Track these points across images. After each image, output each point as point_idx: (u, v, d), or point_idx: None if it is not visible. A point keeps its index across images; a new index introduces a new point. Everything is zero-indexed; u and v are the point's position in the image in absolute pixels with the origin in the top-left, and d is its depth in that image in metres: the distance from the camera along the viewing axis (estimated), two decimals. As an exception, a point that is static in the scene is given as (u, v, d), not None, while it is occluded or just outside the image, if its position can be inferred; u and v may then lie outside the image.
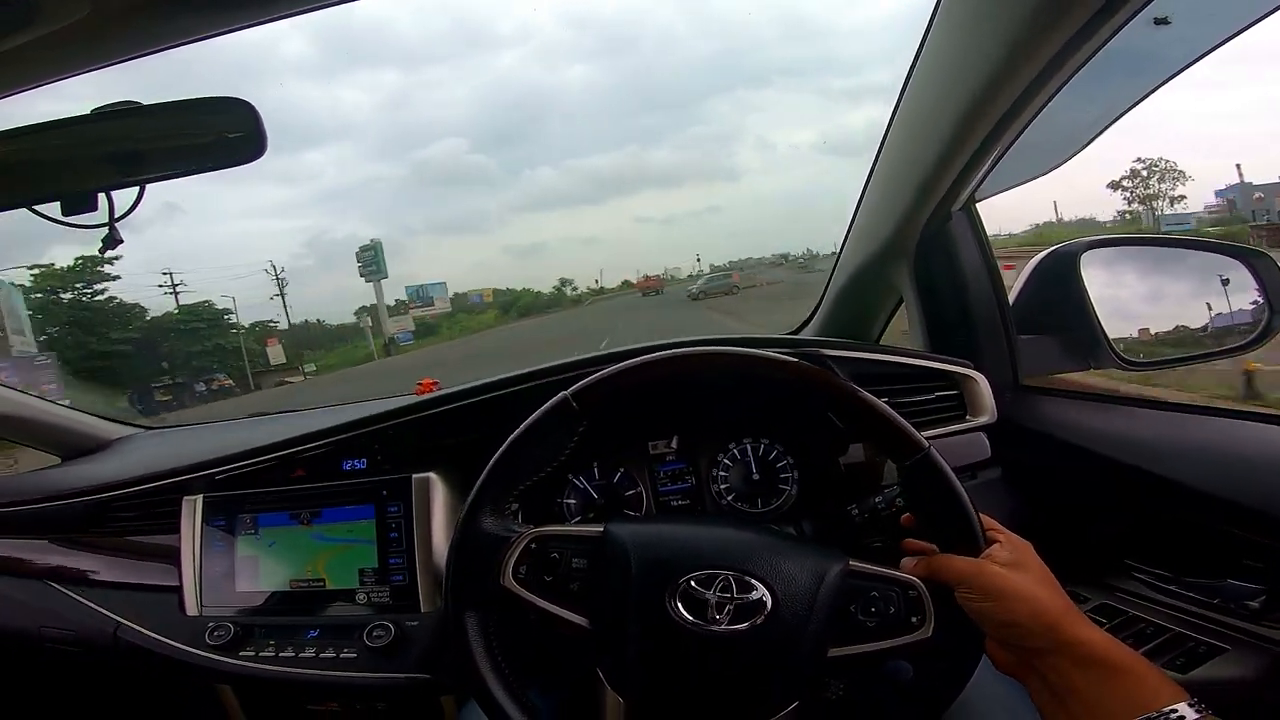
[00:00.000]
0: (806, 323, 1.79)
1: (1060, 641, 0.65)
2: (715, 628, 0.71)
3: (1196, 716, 0.58)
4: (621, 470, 1.30)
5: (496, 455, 0.81)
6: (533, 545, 0.78)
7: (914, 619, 0.73)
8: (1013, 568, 0.70)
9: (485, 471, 0.81)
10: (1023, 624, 0.67)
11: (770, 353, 0.83)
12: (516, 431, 0.82)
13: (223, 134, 0.82)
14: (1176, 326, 1.27)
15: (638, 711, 0.75)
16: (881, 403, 0.78)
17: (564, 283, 68.02)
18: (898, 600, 0.73)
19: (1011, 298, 1.31)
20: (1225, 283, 1.20)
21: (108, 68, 0.80)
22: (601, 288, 67.91)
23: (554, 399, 0.83)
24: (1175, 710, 0.59)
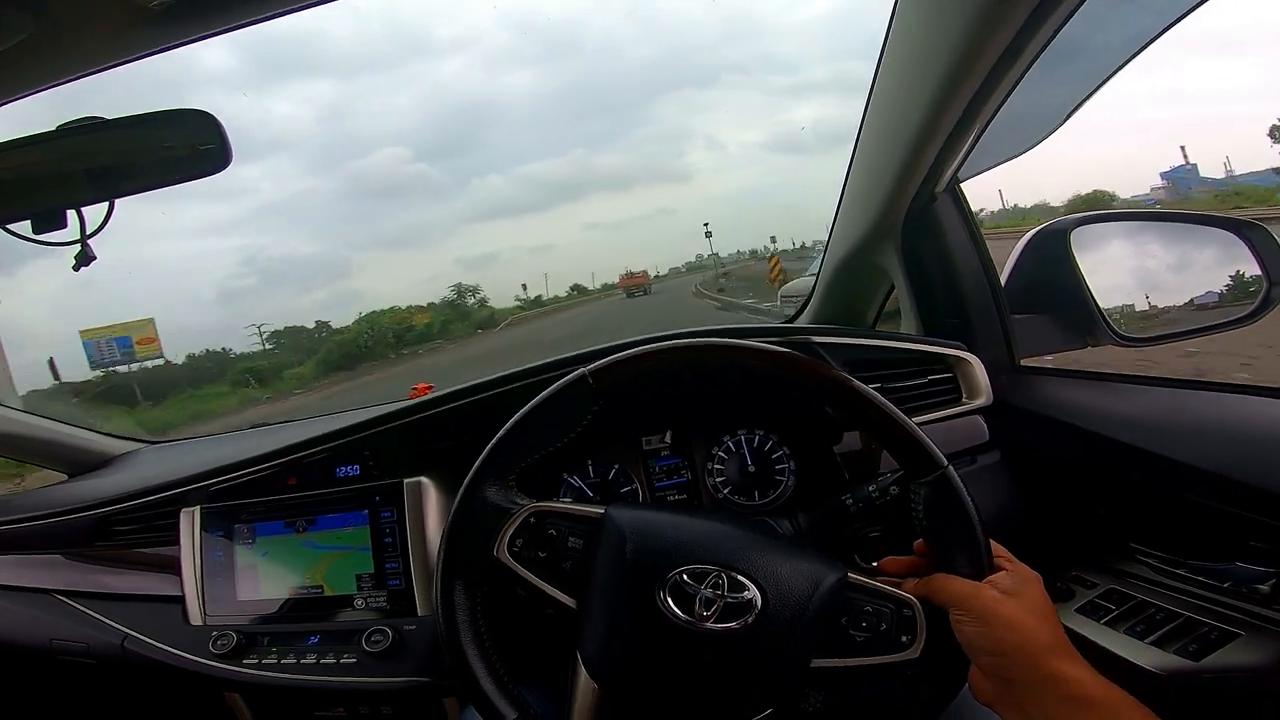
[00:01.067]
0: (801, 310, 1.78)
1: (1045, 676, 0.64)
2: (701, 624, 0.70)
3: None
4: (616, 467, 1.30)
5: (507, 425, 0.81)
6: (531, 519, 0.78)
7: (904, 638, 0.72)
8: (1011, 595, 0.68)
9: (494, 441, 0.81)
10: (1008, 653, 0.66)
11: (792, 352, 0.82)
12: (531, 403, 0.82)
13: (188, 146, 0.82)
14: (1174, 300, 1.25)
15: (610, 700, 0.74)
16: (900, 413, 0.77)
17: (462, 294, 48.70)
18: (890, 617, 0.72)
19: (1004, 278, 1.29)
20: (1219, 255, 1.18)
21: (58, 86, 0.80)
22: (537, 298, 54.12)
23: (573, 374, 0.82)
24: None
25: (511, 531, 0.77)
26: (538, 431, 0.82)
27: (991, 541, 0.74)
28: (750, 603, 0.71)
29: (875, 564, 0.83)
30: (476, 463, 0.80)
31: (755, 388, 1.17)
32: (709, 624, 0.70)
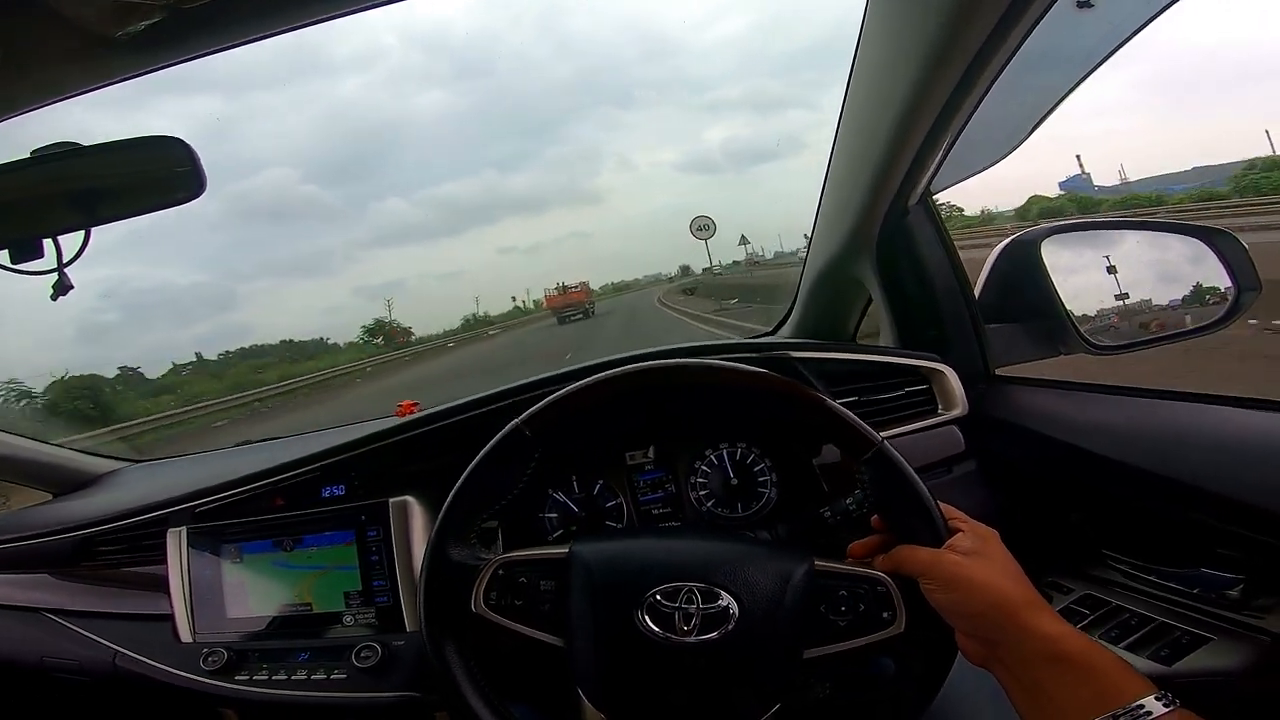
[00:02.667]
0: (783, 322, 1.79)
1: (1020, 632, 0.64)
2: (685, 639, 0.72)
3: (1165, 710, 0.57)
4: (600, 482, 1.31)
5: (456, 487, 0.83)
6: (500, 571, 0.80)
7: (885, 615, 0.73)
8: (974, 556, 0.69)
9: (446, 503, 0.82)
10: (983, 614, 0.67)
11: (714, 361, 0.84)
12: (473, 463, 0.83)
13: (163, 172, 0.83)
14: (1142, 308, 1.27)
15: None
16: (829, 399, 0.79)
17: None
18: (867, 597, 0.74)
19: (978, 288, 1.31)
20: (1187, 262, 1.20)
21: (24, 115, 0.81)
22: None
23: (506, 428, 0.84)
24: (1142, 706, 0.57)
25: (484, 586, 0.79)
26: (485, 488, 0.84)
27: (943, 505, 0.75)
28: (727, 610, 0.73)
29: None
30: (434, 528, 0.82)
31: (731, 402, 1.19)
32: (693, 638, 0.72)
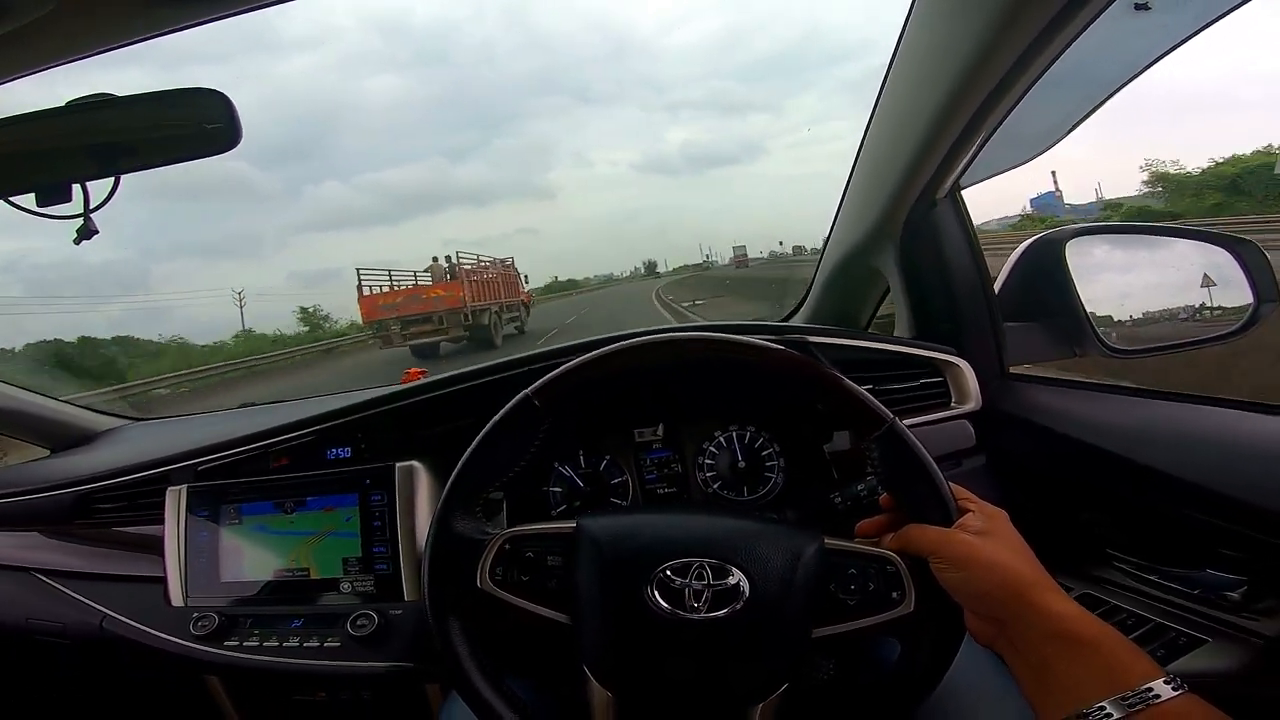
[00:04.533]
0: (796, 310, 1.79)
1: (1029, 612, 0.64)
2: (694, 615, 0.71)
3: (1173, 694, 0.56)
4: (607, 458, 1.31)
5: (463, 458, 0.81)
6: (507, 546, 0.78)
7: (894, 594, 0.73)
8: (983, 536, 0.69)
9: (453, 475, 0.81)
10: (992, 593, 0.66)
11: (729, 335, 0.82)
12: (481, 433, 0.82)
13: (197, 124, 0.82)
14: (1162, 314, 1.27)
15: (627, 704, 0.75)
16: (844, 377, 0.78)
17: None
18: (876, 576, 0.73)
19: (998, 285, 1.30)
20: (1210, 270, 1.20)
21: (75, 62, 0.79)
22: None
23: (515, 399, 0.82)
24: (1150, 689, 0.57)
25: (490, 561, 0.77)
26: (493, 459, 0.82)
27: (953, 485, 0.75)
28: (737, 587, 0.72)
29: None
30: (440, 500, 0.80)
31: (742, 382, 1.19)
32: (702, 614, 0.71)
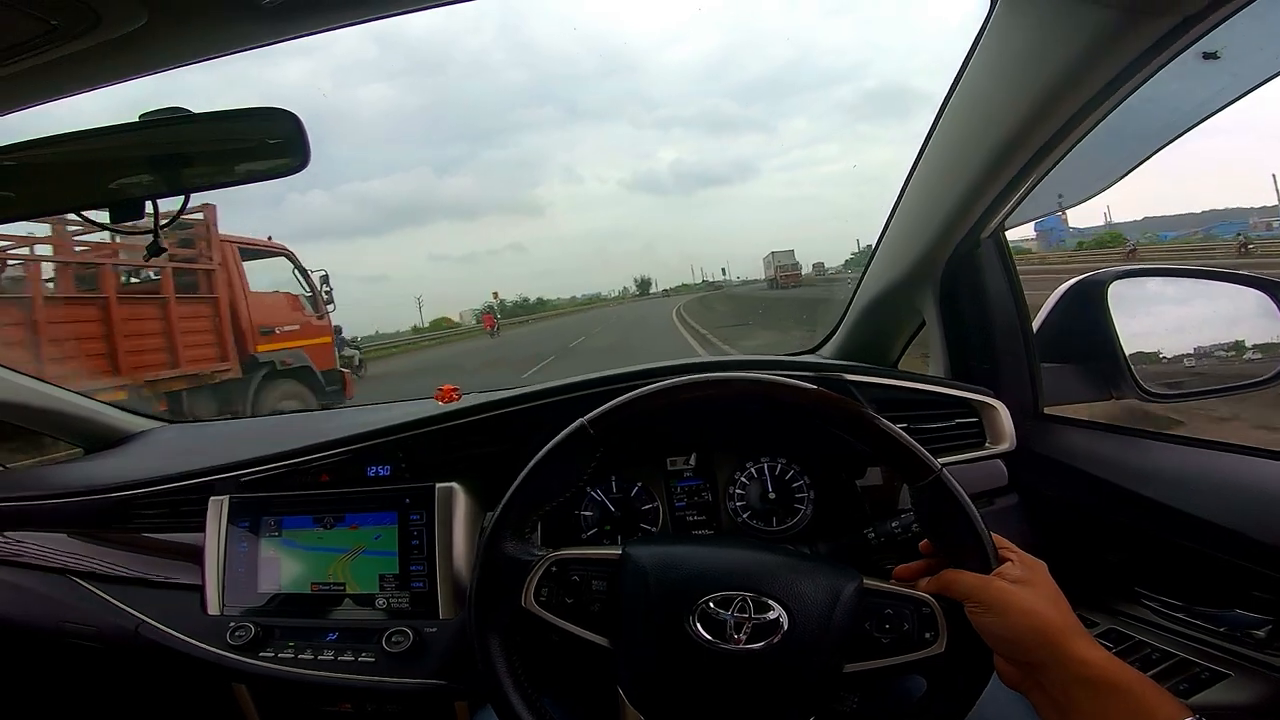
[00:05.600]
0: (825, 341, 1.80)
1: (1061, 658, 0.65)
2: (733, 646, 0.72)
3: None
4: (639, 485, 1.31)
5: (518, 480, 0.83)
6: (553, 568, 0.80)
7: (927, 635, 0.74)
8: (1021, 584, 0.70)
9: (507, 496, 0.82)
10: (1024, 639, 0.68)
11: (787, 378, 0.83)
12: (536, 457, 0.83)
13: (266, 142, 0.83)
14: (1202, 357, 1.27)
15: None
16: (893, 426, 0.79)
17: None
18: (911, 617, 0.75)
19: (1036, 324, 1.31)
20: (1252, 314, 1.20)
21: (158, 74, 0.81)
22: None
23: (572, 425, 0.84)
24: None
25: (536, 582, 0.79)
26: (546, 483, 0.84)
27: (994, 535, 0.76)
28: (777, 621, 0.73)
29: (890, 570, 0.85)
30: (492, 521, 0.82)
31: (778, 416, 1.19)
32: (741, 646, 0.72)
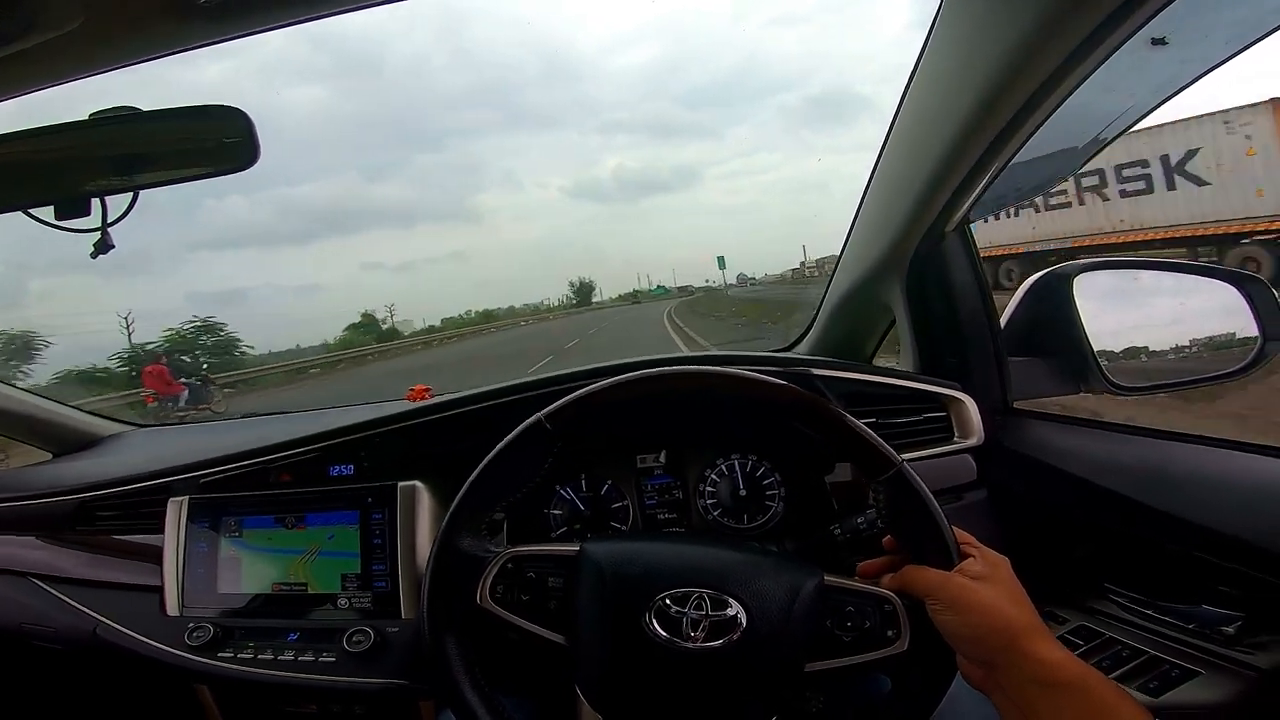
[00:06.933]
0: (800, 340, 1.80)
1: (1019, 658, 0.65)
2: (690, 645, 0.71)
3: None
4: (609, 483, 1.31)
5: (472, 476, 0.82)
6: (509, 565, 0.79)
7: (889, 633, 0.73)
8: (981, 581, 0.70)
9: (461, 492, 0.81)
10: (984, 638, 0.67)
11: (744, 371, 0.82)
12: (492, 452, 0.82)
13: (217, 140, 0.83)
14: (1169, 351, 1.27)
15: None
16: (854, 419, 0.78)
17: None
18: (873, 614, 0.74)
19: (1004, 319, 1.31)
20: (1217, 307, 1.20)
21: (98, 75, 0.81)
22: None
23: (528, 420, 0.83)
24: None
25: (491, 579, 0.78)
26: (502, 479, 0.83)
27: (956, 530, 0.75)
28: (735, 618, 0.72)
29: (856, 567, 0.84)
30: (447, 515, 0.81)
31: (748, 413, 1.19)
32: (698, 644, 0.71)
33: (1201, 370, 1.24)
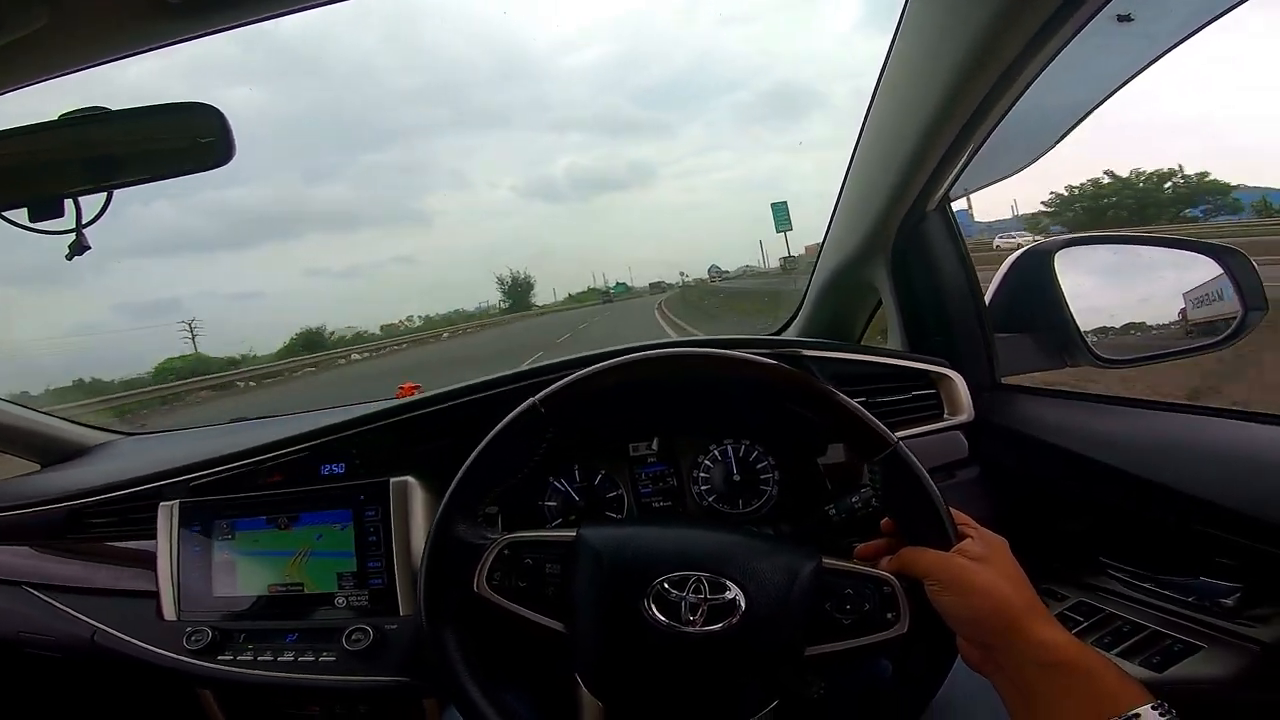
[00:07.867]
0: (789, 323, 1.80)
1: (1019, 639, 0.64)
2: (689, 629, 0.71)
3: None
4: (602, 472, 1.30)
5: (466, 463, 0.81)
6: (506, 551, 0.79)
7: (889, 615, 0.73)
8: (980, 561, 0.69)
9: (456, 479, 0.81)
10: (983, 620, 0.67)
11: (736, 353, 0.82)
12: (486, 438, 0.82)
13: (191, 139, 0.82)
14: (1151, 323, 1.28)
15: (617, 714, 0.76)
16: (848, 398, 0.78)
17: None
18: (872, 597, 0.74)
19: (989, 296, 1.31)
20: (1198, 279, 1.21)
21: (68, 75, 0.80)
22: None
23: (522, 405, 0.82)
24: (1138, 715, 0.57)
25: (488, 566, 0.78)
26: (497, 465, 0.82)
27: (954, 510, 0.75)
28: (734, 602, 0.72)
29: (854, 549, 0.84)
30: (442, 503, 0.80)
31: (739, 397, 1.19)
32: (697, 628, 0.71)
33: (1185, 342, 1.24)
